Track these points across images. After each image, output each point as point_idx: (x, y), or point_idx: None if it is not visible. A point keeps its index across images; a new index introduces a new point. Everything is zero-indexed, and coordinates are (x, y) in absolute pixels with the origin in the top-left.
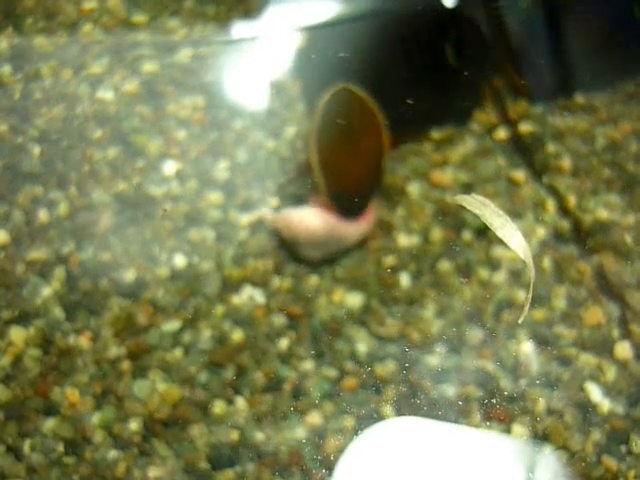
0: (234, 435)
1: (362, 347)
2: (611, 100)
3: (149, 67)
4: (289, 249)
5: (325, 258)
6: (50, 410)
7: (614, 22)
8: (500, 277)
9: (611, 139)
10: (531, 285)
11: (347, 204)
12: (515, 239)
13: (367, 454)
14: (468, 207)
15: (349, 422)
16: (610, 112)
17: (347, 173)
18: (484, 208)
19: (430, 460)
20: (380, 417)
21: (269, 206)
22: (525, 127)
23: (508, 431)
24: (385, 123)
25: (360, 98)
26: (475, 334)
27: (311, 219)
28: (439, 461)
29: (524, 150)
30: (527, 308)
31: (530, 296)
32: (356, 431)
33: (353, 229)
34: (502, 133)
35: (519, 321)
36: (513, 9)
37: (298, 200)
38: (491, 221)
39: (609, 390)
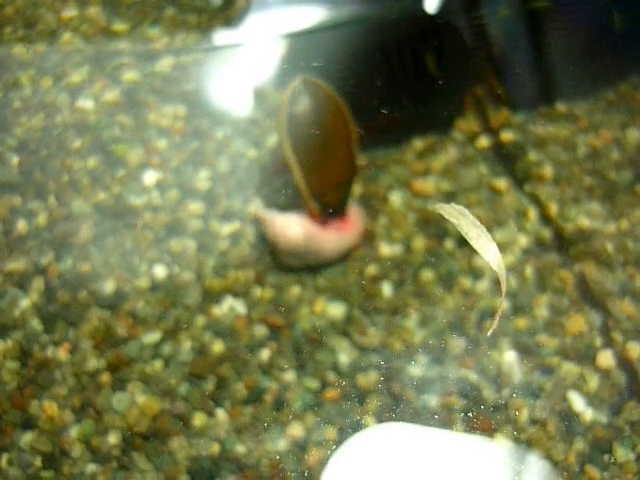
0: (215, 448)
1: (344, 357)
2: (592, 108)
3: (129, 76)
4: (270, 256)
5: (303, 267)
6: (28, 423)
7: (595, 31)
8: (482, 286)
9: (592, 147)
10: (502, 299)
11: (329, 202)
12: (490, 251)
13: (350, 464)
14: (446, 216)
15: (331, 433)
16: (591, 120)
17: (323, 169)
18: (462, 218)
19: (414, 468)
20: (362, 428)
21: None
22: (507, 135)
23: (491, 441)
24: (350, 112)
25: (322, 89)
26: (457, 343)
27: (293, 228)
28: (423, 469)
29: (506, 158)
30: (496, 321)
31: (500, 310)
32: (338, 442)
33: (335, 242)
34: (484, 142)
35: (488, 334)
36: (494, 17)
37: (280, 208)
38: (467, 231)
39: (592, 399)
